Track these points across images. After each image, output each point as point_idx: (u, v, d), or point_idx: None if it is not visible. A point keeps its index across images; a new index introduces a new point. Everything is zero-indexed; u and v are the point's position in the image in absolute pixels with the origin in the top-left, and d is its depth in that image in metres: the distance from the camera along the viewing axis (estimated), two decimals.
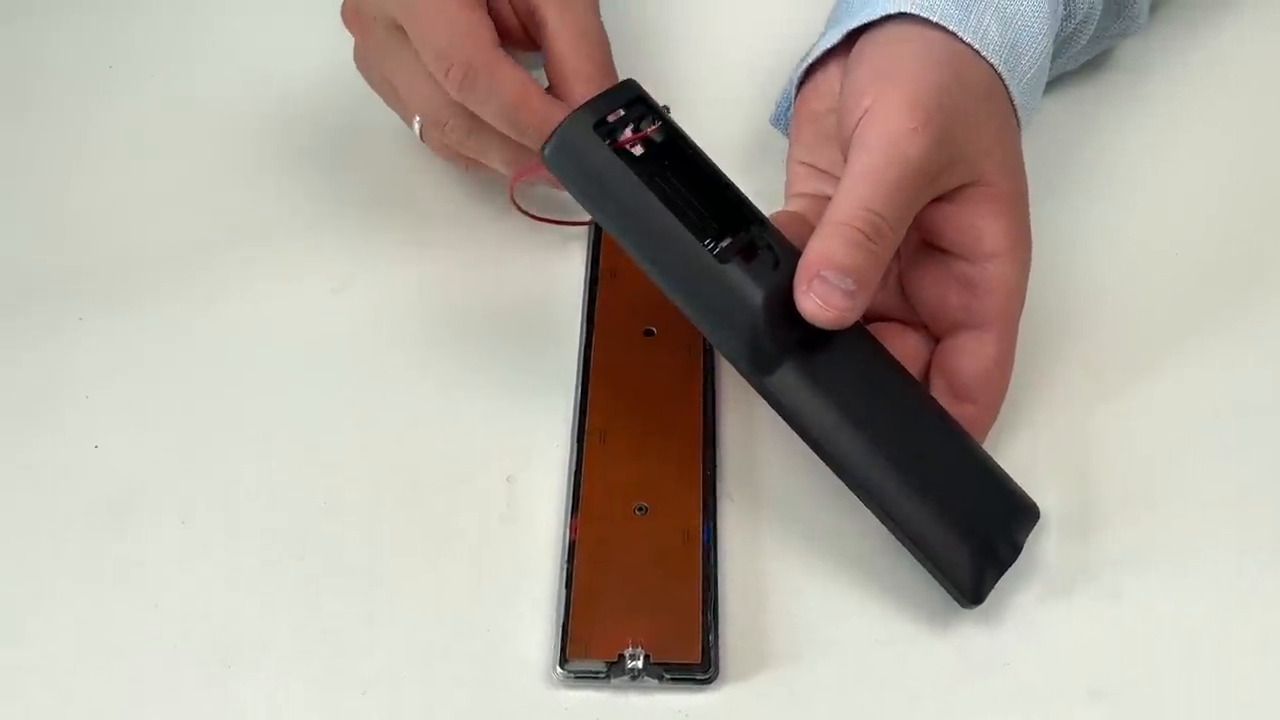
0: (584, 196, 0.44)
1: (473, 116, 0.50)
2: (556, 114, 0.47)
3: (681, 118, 0.47)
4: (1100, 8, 0.55)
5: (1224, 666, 0.43)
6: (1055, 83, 0.60)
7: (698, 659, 0.42)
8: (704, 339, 0.51)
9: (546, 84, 0.51)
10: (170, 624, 0.44)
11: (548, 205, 0.55)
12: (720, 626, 0.43)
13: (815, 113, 0.50)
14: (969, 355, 0.46)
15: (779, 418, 0.43)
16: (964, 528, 0.43)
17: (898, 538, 0.43)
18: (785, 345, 0.43)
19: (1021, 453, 0.48)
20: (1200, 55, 0.64)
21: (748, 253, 0.43)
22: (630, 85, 0.46)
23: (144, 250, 0.56)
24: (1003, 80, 0.48)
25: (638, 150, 0.44)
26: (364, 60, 0.54)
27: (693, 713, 0.42)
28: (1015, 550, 0.44)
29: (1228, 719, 0.42)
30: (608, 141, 0.43)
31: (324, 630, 0.44)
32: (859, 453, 0.43)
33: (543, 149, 0.43)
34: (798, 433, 0.43)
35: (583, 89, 0.49)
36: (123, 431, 0.50)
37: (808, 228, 0.44)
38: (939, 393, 0.47)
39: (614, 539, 0.45)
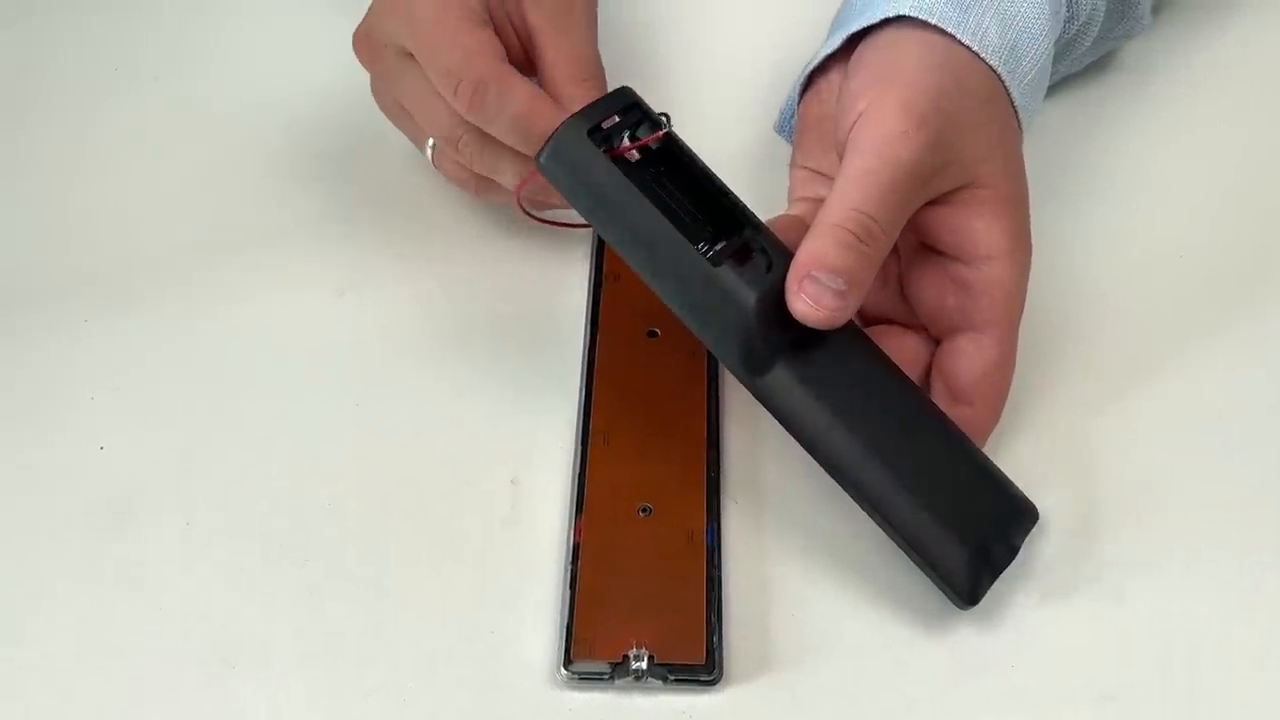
0: (578, 202, 0.44)
1: (482, 132, 0.50)
2: None
3: (685, 126, 0.47)
4: (1103, 10, 0.55)
5: (1228, 668, 0.43)
6: (1058, 84, 0.60)
7: (702, 660, 0.42)
8: None
9: None
10: (173, 625, 0.44)
11: (553, 212, 0.55)
12: (724, 628, 0.43)
13: (816, 118, 0.50)
14: (967, 357, 0.46)
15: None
16: (959, 529, 0.43)
17: (892, 539, 0.43)
18: (778, 347, 0.43)
19: (1024, 454, 0.48)
20: (1203, 56, 0.64)
21: (741, 255, 0.44)
22: (625, 92, 0.46)
23: (149, 252, 0.56)
24: (1003, 82, 0.48)
25: (632, 156, 0.45)
26: (378, 89, 0.54)
27: (696, 713, 0.42)
28: (1012, 552, 0.44)
29: None
30: (602, 148, 0.44)
31: (327, 632, 0.44)
32: (852, 454, 0.43)
33: (538, 156, 0.44)
34: (792, 434, 0.43)
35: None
36: (127, 432, 0.50)
37: (806, 231, 0.45)
38: (938, 395, 0.47)
39: (618, 540, 0.45)
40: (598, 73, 0.51)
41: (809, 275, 0.42)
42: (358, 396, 0.51)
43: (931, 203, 0.46)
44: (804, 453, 0.44)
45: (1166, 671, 0.43)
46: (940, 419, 0.45)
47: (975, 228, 0.46)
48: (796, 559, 0.46)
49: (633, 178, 0.43)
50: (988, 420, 0.47)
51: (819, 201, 0.48)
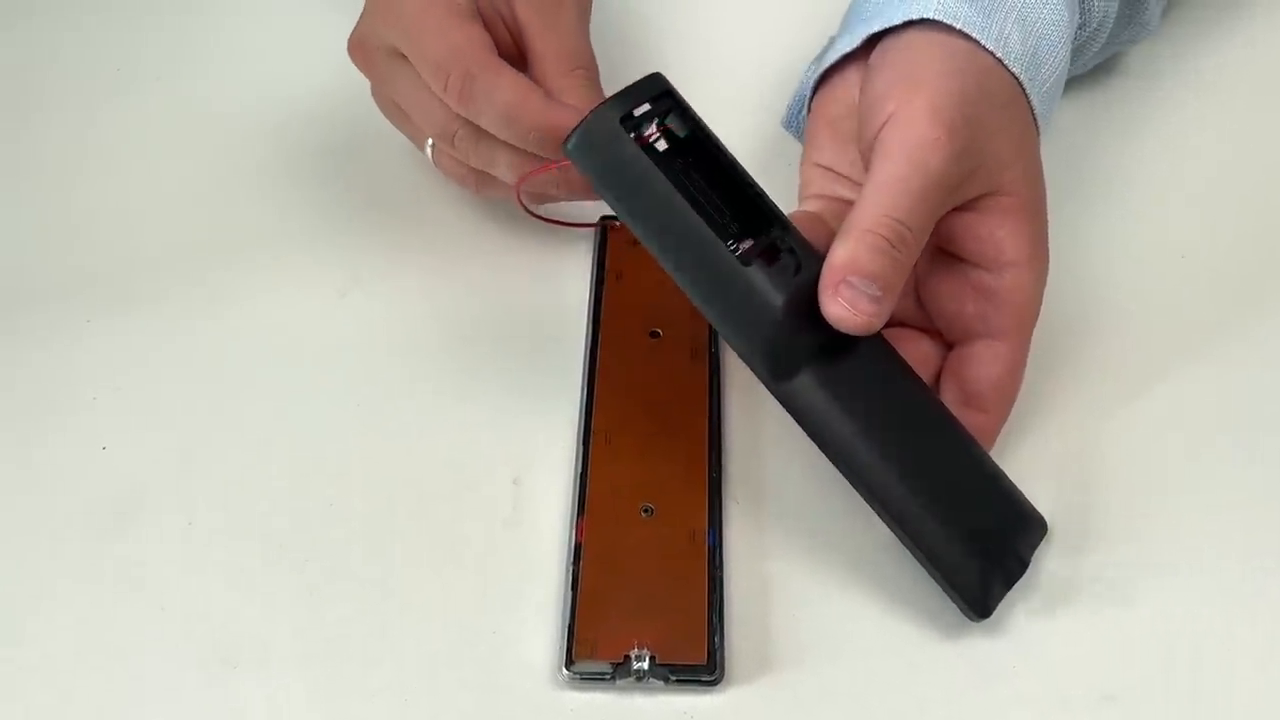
0: (607, 191, 0.43)
1: (479, 127, 0.50)
2: (556, 115, 0.47)
3: None
4: (1114, 16, 0.55)
5: (1233, 671, 0.43)
6: (1065, 88, 0.59)
7: (703, 660, 0.42)
8: (709, 341, 0.51)
9: None
10: (174, 625, 0.44)
11: (554, 210, 0.55)
12: (726, 628, 0.43)
13: (832, 116, 0.50)
14: (983, 364, 0.46)
15: (785, 419, 0.43)
16: (974, 542, 0.43)
17: (908, 548, 0.43)
18: (804, 351, 0.43)
19: (1031, 458, 0.48)
20: (1210, 60, 0.64)
21: (770, 255, 0.43)
22: (657, 79, 0.45)
23: (151, 252, 0.56)
24: (1024, 89, 0.48)
25: (662, 145, 0.44)
26: (376, 93, 0.55)
27: (698, 714, 0.42)
28: (1023, 565, 0.44)
29: None
30: (633, 136, 0.43)
31: (329, 633, 0.44)
32: (874, 463, 0.42)
33: (566, 141, 0.43)
34: (813, 439, 0.43)
35: (563, 111, 0.48)
36: (129, 432, 0.50)
37: (825, 229, 0.45)
38: (950, 399, 0.47)
39: (620, 541, 0.45)
40: (588, 63, 0.51)
41: (845, 280, 0.42)
42: (359, 397, 0.51)
43: (955, 209, 0.46)
44: (806, 453, 0.43)
45: (1172, 675, 0.43)
46: (957, 429, 0.45)
47: (999, 235, 0.46)
48: (798, 559, 0.46)
49: (664, 169, 0.42)
50: (997, 427, 0.47)
51: (834, 199, 0.48)
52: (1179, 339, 0.52)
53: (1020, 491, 0.45)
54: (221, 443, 0.49)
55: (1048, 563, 0.45)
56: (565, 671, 0.42)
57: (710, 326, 0.51)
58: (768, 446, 0.48)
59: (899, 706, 0.42)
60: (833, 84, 0.50)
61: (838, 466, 0.43)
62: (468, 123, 0.50)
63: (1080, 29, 0.54)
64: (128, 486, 0.48)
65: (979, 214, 0.46)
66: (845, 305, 0.42)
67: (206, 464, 0.49)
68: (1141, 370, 0.51)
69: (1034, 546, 0.44)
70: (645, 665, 0.42)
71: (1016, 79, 0.48)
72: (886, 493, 0.42)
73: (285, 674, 0.43)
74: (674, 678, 0.42)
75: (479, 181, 0.53)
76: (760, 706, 0.42)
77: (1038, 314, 0.47)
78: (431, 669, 0.43)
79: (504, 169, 0.50)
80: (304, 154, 0.60)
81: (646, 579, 0.44)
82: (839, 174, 0.49)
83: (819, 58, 0.51)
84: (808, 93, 0.51)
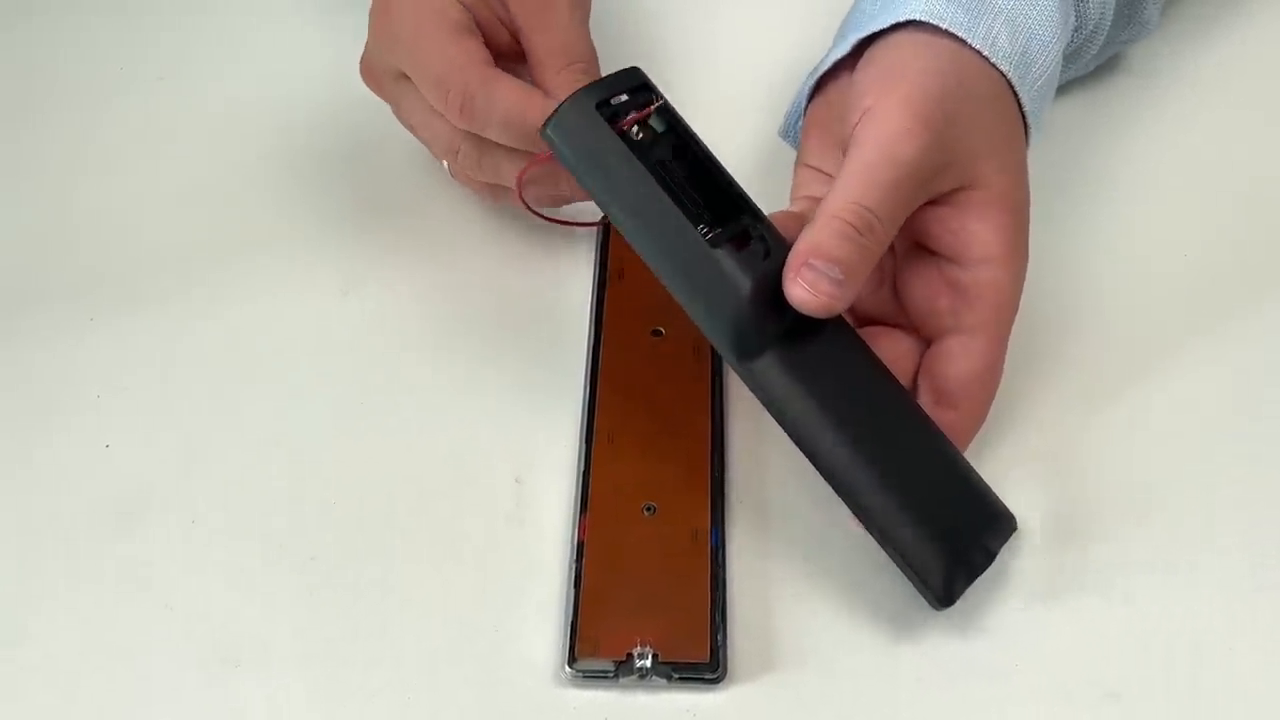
0: (580, 174, 0.44)
1: (479, 139, 0.50)
2: None
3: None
4: (1111, 17, 0.55)
5: (1236, 669, 0.43)
6: (1063, 86, 0.59)
7: (706, 658, 0.42)
8: None
9: None
10: (176, 623, 0.44)
11: (556, 209, 0.55)
12: (728, 626, 0.43)
13: (824, 120, 0.50)
14: (955, 360, 0.46)
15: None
16: (938, 529, 0.43)
17: (872, 534, 0.43)
18: (770, 333, 0.43)
19: (1030, 454, 0.48)
20: (1209, 59, 0.64)
21: (740, 241, 0.44)
22: (635, 72, 0.46)
23: (155, 251, 0.56)
24: (1013, 87, 0.48)
25: (638, 134, 0.45)
26: (395, 115, 0.55)
27: (701, 712, 0.42)
28: (989, 557, 0.44)
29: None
30: (609, 121, 0.44)
31: (331, 631, 0.44)
32: (834, 444, 0.43)
33: (543, 127, 0.44)
34: (775, 419, 0.43)
35: None
36: (132, 432, 0.50)
37: (803, 225, 0.45)
38: (924, 398, 0.47)
39: (622, 539, 0.45)
40: (585, 57, 0.51)
41: (807, 263, 0.42)
42: (362, 396, 0.51)
43: (930, 202, 0.46)
44: None
45: (1174, 672, 0.43)
46: (924, 422, 0.45)
47: (972, 229, 0.46)
48: (801, 558, 0.46)
49: (638, 154, 0.44)
50: (971, 425, 0.46)
51: (820, 200, 0.48)
52: (1177, 335, 0.52)
53: (988, 486, 0.45)
54: (224, 441, 0.49)
55: (1048, 559, 0.45)
56: (567, 669, 0.42)
57: None
58: (770, 445, 0.49)
59: (901, 705, 0.42)
60: (826, 91, 0.51)
61: (799, 445, 0.43)
62: (470, 137, 0.50)
63: (1077, 30, 0.54)
64: (130, 485, 0.48)
65: (953, 207, 0.46)
66: (805, 287, 0.42)
67: (209, 462, 0.49)
68: (1140, 366, 0.51)
69: (1002, 540, 0.44)
70: (648, 663, 0.42)
71: (1005, 77, 0.48)
72: (846, 474, 0.42)
73: (287, 671, 0.43)
74: (676, 676, 0.42)
75: (493, 192, 0.53)
76: (762, 704, 0.42)
77: (1014, 311, 0.46)
78: (433, 667, 0.43)
79: (510, 178, 0.51)
80: (307, 154, 0.60)
81: (649, 577, 0.44)
82: (828, 175, 0.49)
83: (814, 69, 0.51)
84: (804, 102, 0.52)
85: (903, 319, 0.49)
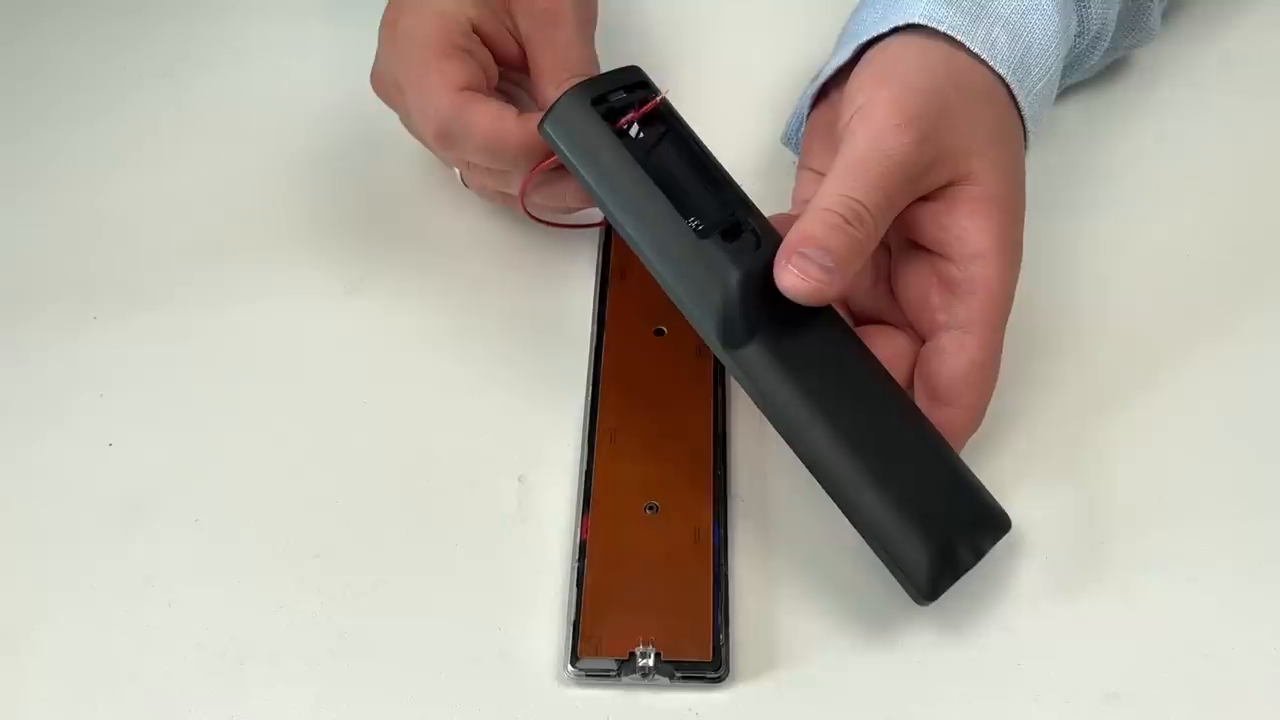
0: (574, 164, 0.45)
1: None
2: (535, 128, 0.47)
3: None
4: (1114, 23, 0.55)
5: (1234, 667, 0.43)
6: (1065, 88, 0.60)
7: (709, 657, 0.42)
8: None
9: None
10: (182, 623, 0.44)
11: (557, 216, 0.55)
12: (731, 625, 0.43)
13: (824, 123, 0.50)
14: (948, 357, 0.46)
15: None
16: (923, 524, 0.42)
17: (856, 527, 0.42)
18: (758, 324, 0.43)
19: (1034, 454, 0.48)
20: (1211, 60, 0.64)
21: (730, 233, 0.44)
22: (634, 70, 0.47)
23: (159, 251, 0.56)
24: (1011, 90, 0.48)
25: (634, 130, 0.45)
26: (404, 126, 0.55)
27: (703, 710, 0.42)
28: (977, 555, 0.43)
29: None
30: (604, 117, 0.45)
31: (334, 630, 0.44)
32: (819, 436, 0.42)
33: (541, 122, 0.45)
34: (761, 410, 0.43)
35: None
36: (136, 431, 0.50)
37: None
38: (919, 396, 0.46)
39: (625, 538, 0.45)
40: (587, 71, 0.51)
41: (798, 251, 0.43)
42: (365, 395, 0.51)
43: (922, 198, 0.46)
44: None
45: (1175, 673, 0.43)
46: (917, 418, 0.45)
47: (963, 225, 0.46)
48: (803, 557, 0.46)
49: (631, 148, 0.44)
50: (967, 423, 0.46)
51: None
52: (1180, 336, 0.52)
53: (980, 484, 0.45)
54: (228, 441, 0.50)
55: (1049, 561, 0.45)
56: (570, 668, 0.42)
57: None
58: (773, 444, 0.48)
59: (903, 704, 0.42)
60: (829, 96, 0.51)
61: (784, 437, 0.43)
62: None
63: (1079, 36, 0.54)
64: (134, 484, 0.48)
65: (944, 203, 0.46)
66: (796, 273, 0.42)
67: (213, 462, 0.49)
68: (1145, 366, 0.51)
69: (992, 540, 0.44)
70: (650, 662, 0.42)
71: (1002, 79, 0.48)
72: (833, 467, 0.42)
73: (292, 670, 0.43)
74: (679, 674, 0.42)
75: (506, 199, 0.53)
76: (765, 703, 0.42)
77: (1007, 306, 0.46)
78: (436, 666, 0.43)
79: (517, 188, 0.51)
80: (311, 154, 0.60)
81: (651, 576, 0.44)
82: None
83: (816, 76, 0.51)
84: (805, 109, 0.52)
85: (899, 317, 0.49)
